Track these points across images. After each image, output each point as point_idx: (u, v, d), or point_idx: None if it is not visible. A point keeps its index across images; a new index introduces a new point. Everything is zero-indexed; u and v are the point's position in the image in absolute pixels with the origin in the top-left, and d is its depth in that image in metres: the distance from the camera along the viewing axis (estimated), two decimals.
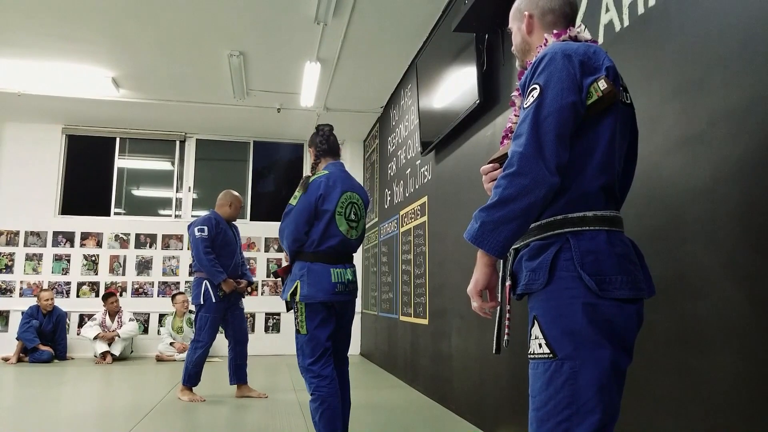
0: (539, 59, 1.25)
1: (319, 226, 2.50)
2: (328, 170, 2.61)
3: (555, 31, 1.36)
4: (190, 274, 7.10)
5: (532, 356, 1.21)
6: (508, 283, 1.32)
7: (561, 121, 1.17)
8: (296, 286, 2.48)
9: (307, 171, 7.59)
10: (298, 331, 2.50)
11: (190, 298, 6.86)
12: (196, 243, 4.02)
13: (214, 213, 4.22)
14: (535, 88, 1.21)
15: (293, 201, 2.53)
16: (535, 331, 1.20)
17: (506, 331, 1.31)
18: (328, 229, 2.51)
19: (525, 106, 1.23)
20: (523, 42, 1.43)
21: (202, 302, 4.04)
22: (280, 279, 2.69)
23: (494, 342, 1.35)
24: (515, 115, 1.39)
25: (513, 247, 1.33)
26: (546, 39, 1.36)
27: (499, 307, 1.34)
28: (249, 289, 4.27)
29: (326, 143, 2.69)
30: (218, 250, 4.10)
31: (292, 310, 2.53)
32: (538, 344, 1.19)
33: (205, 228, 4.06)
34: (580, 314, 1.15)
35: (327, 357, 2.49)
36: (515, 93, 1.39)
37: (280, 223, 2.61)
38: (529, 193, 1.15)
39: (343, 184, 2.59)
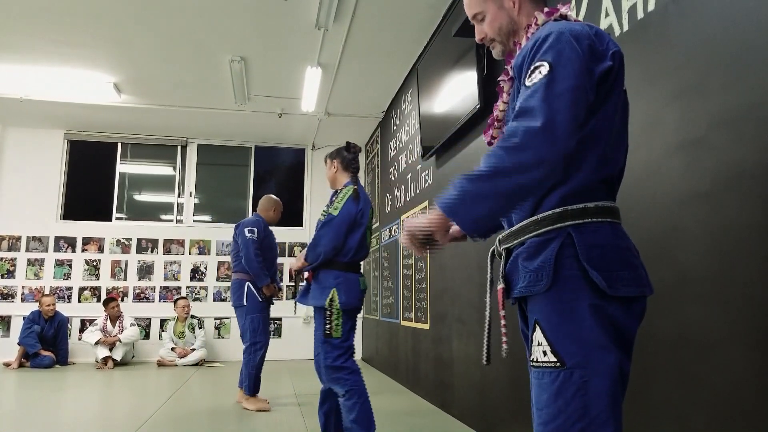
0: (542, 38, 1.12)
1: (356, 237, 2.66)
2: (357, 186, 2.78)
3: (546, 9, 1.24)
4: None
5: (536, 365, 1.11)
6: (500, 286, 1.19)
7: (574, 101, 1.04)
8: (333, 294, 2.57)
9: (308, 175, 7.65)
10: (329, 335, 2.55)
11: (183, 304, 6.87)
12: (247, 244, 4.01)
13: (260, 216, 4.25)
14: (542, 65, 1.08)
15: (334, 211, 2.63)
16: (538, 336, 1.10)
17: (504, 339, 1.21)
18: (362, 241, 2.70)
19: (529, 83, 1.08)
20: (511, 22, 1.28)
21: (245, 303, 4.03)
22: (303, 283, 2.77)
23: (485, 351, 1.26)
24: (503, 102, 1.26)
25: (505, 246, 1.22)
26: (536, 17, 1.23)
27: (488, 315, 1.27)
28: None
29: (356, 163, 2.87)
30: (264, 254, 4.10)
31: (326, 315, 2.56)
32: (542, 351, 1.09)
33: (255, 230, 4.07)
34: (588, 317, 1.05)
35: (353, 355, 2.69)
36: (503, 77, 1.26)
37: (317, 230, 2.67)
38: (525, 171, 1.02)
39: (367, 200, 2.77)
